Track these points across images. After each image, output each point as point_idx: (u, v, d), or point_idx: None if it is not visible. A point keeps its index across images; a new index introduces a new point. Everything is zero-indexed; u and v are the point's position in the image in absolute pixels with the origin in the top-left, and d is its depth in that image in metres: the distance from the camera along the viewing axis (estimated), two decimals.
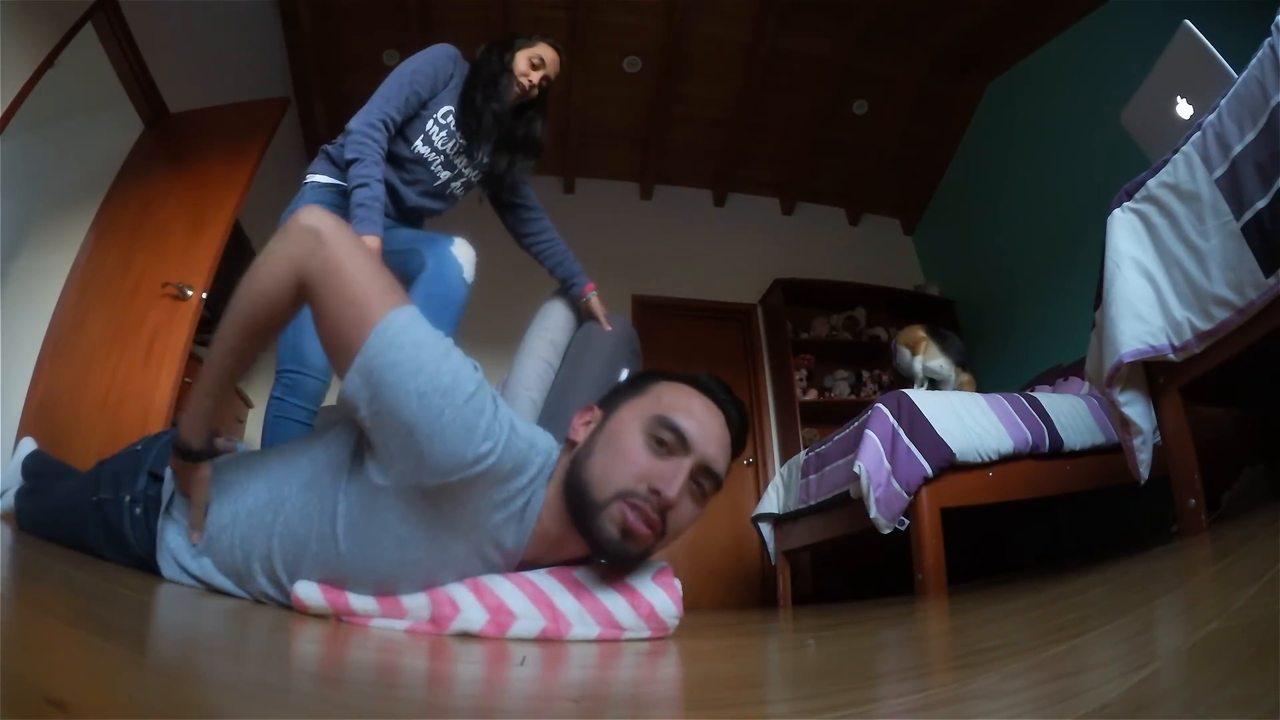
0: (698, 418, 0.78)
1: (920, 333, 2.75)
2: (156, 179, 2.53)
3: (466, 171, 1.69)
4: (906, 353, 2.76)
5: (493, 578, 0.77)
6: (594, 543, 0.75)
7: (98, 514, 0.92)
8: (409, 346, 0.68)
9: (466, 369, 0.72)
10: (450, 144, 1.62)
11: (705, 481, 0.78)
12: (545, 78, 1.67)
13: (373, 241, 1.39)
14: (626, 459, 0.75)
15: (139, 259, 2.36)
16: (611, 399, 0.85)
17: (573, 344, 1.71)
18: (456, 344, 0.74)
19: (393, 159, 1.58)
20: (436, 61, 1.59)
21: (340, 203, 1.53)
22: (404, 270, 1.52)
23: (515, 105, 1.67)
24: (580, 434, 0.82)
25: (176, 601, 0.74)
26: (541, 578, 0.79)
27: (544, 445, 0.79)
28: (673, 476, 0.74)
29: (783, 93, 4.09)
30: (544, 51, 1.66)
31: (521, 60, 1.64)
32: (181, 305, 2.25)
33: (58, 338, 2.31)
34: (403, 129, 1.57)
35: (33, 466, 1.32)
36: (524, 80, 1.63)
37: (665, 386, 0.83)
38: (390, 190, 1.59)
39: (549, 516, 0.77)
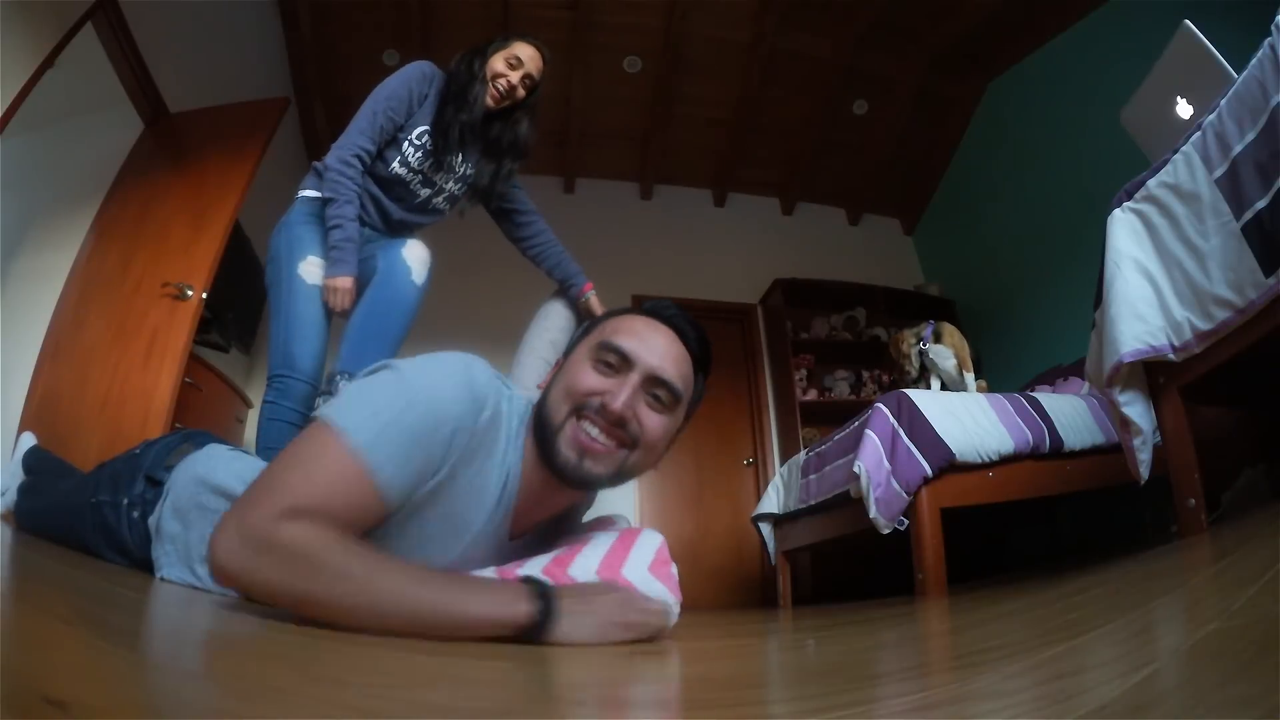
0: (639, 334, 0.81)
1: (966, 345, 2.57)
2: (156, 179, 2.53)
3: (448, 186, 1.69)
4: (952, 362, 2.56)
5: (491, 574, 0.78)
6: (559, 473, 0.77)
7: (95, 516, 0.92)
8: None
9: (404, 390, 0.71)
10: (427, 163, 1.62)
11: (659, 391, 0.80)
12: (527, 76, 1.63)
13: (345, 282, 1.48)
14: (573, 381, 0.79)
15: (139, 259, 2.36)
16: (570, 347, 0.88)
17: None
18: (408, 344, 0.77)
19: (375, 177, 1.61)
20: (410, 83, 1.59)
21: (309, 211, 1.58)
22: (364, 277, 1.55)
23: (498, 110, 1.64)
24: (547, 381, 0.86)
25: (175, 601, 0.74)
26: (538, 575, 0.79)
27: (506, 390, 0.82)
28: (618, 389, 0.77)
29: (783, 93, 4.09)
30: (521, 50, 1.62)
31: (498, 62, 1.61)
32: (181, 305, 2.25)
33: (58, 338, 2.31)
34: (380, 150, 1.58)
35: (32, 464, 1.32)
36: (501, 83, 1.60)
37: (611, 319, 0.86)
38: (377, 205, 1.63)
39: (529, 466, 0.80)
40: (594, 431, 0.76)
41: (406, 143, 1.59)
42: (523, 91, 1.64)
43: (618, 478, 0.80)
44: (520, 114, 1.69)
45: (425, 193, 1.67)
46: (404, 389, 0.68)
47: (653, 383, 0.79)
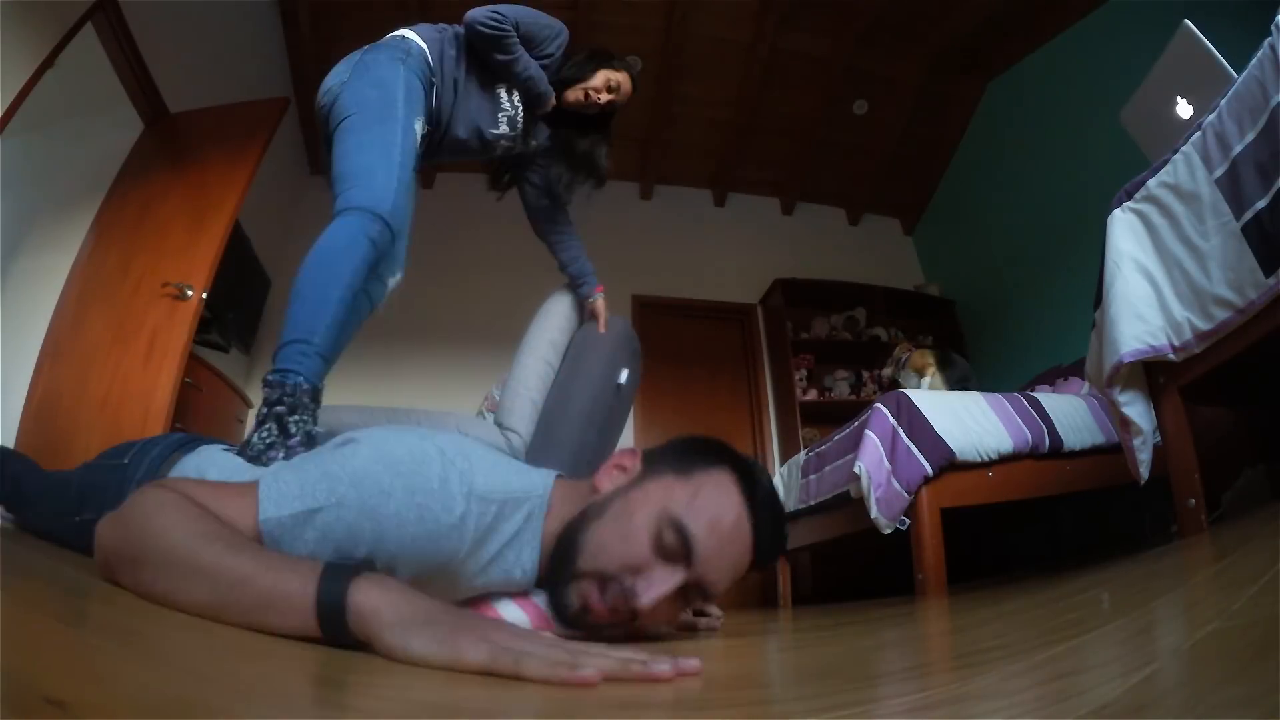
0: (720, 536, 0.68)
1: (930, 358, 2.85)
2: (156, 179, 2.53)
3: (509, 131, 1.63)
4: (914, 377, 2.85)
5: (498, 599, 0.76)
6: (553, 602, 0.71)
7: (84, 534, 0.89)
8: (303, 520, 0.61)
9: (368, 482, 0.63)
10: (518, 115, 1.60)
11: (695, 595, 0.71)
12: (612, 102, 1.68)
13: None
14: (625, 543, 0.68)
15: (139, 259, 2.36)
16: (658, 462, 0.76)
17: (572, 344, 1.71)
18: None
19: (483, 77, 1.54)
20: (562, 36, 1.59)
21: (415, 64, 1.42)
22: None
23: (577, 118, 1.68)
24: (606, 483, 0.75)
25: None
26: (545, 601, 0.77)
27: (517, 490, 0.72)
28: (658, 583, 0.66)
29: (783, 93, 4.09)
30: (624, 80, 1.67)
31: (599, 77, 1.64)
32: (181, 305, 2.25)
33: (58, 338, 2.31)
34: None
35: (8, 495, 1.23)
36: (595, 96, 1.64)
37: (711, 481, 0.72)
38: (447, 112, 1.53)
39: (548, 552, 0.74)
40: (606, 599, 0.67)
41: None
42: (596, 110, 1.67)
43: (602, 634, 0.73)
44: (599, 136, 1.73)
45: (505, 129, 1.60)
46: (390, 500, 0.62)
47: (695, 588, 0.69)
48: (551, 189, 1.76)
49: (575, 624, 0.69)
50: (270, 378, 1.11)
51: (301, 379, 1.11)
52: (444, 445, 0.68)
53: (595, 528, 0.69)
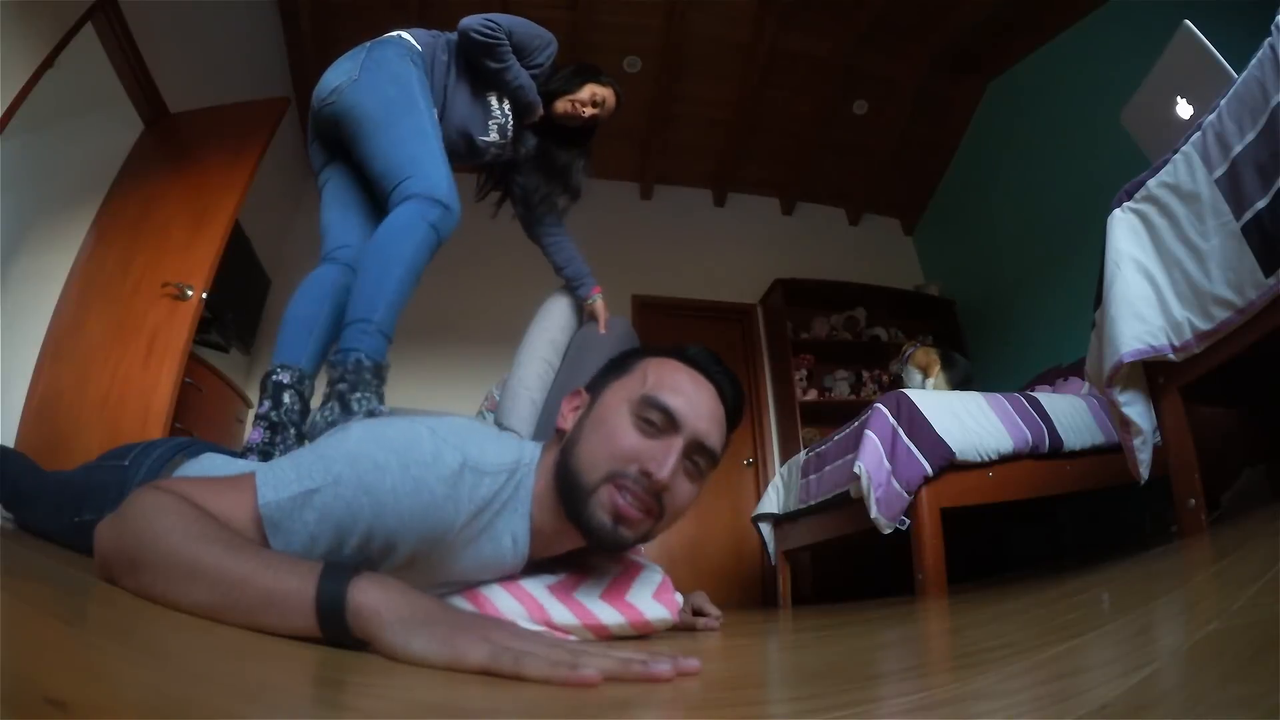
0: (686, 393, 0.75)
1: (934, 356, 2.93)
2: (156, 179, 2.53)
3: (496, 136, 1.63)
4: (918, 375, 2.92)
5: (493, 589, 0.77)
6: (587, 532, 0.73)
7: (82, 537, 0.90)
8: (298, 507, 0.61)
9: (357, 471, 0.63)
10: (508, 124, 1.61)
11: (700, 459, 0.76)
12: (595, 116, 1.70)
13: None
14: (614, 440, 0.73)
15: (139, 259, 2.36)
16: (598, 381, 0.83)
17: (572, 344, 1.71)
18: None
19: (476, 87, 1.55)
20: (551, 47, 1.60)
21: (419, 63, 1.44)
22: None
23: (560, 129, 1.70)
24: (569, 420, 0.80)
25: None
26: (542, 594, 0.78)
27: (508, 462, 0.74)
28: (664, 456, 0.71)
29: (783, 93, 4.09)
30: (609, 95, 1.69)
31: (586, 91, 1.66)
32: (181, 305, 2.25)
33: (58, 338, 2.31)
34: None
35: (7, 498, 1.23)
36: (580, 109, 1.66)
37: (652, 363, 0.80)
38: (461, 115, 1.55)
39: (540, 512, 0.75)
40: (629, 498, 0.71)
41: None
42: (579, 122, 1.69)
43: (639, 542, 0.77)
44: (578, 152, 1.74)
45: (494, 138, 1.61)
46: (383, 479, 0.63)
47: (695, 448, 0.75)
48: (527, 200, 1.76)
49: (614, 540, 0.72)
50: (332, 359, 1.14)
51: (362, 354, 1.13)
52: (434, 424, 0.70)
53: (579, 450, 0.74)
